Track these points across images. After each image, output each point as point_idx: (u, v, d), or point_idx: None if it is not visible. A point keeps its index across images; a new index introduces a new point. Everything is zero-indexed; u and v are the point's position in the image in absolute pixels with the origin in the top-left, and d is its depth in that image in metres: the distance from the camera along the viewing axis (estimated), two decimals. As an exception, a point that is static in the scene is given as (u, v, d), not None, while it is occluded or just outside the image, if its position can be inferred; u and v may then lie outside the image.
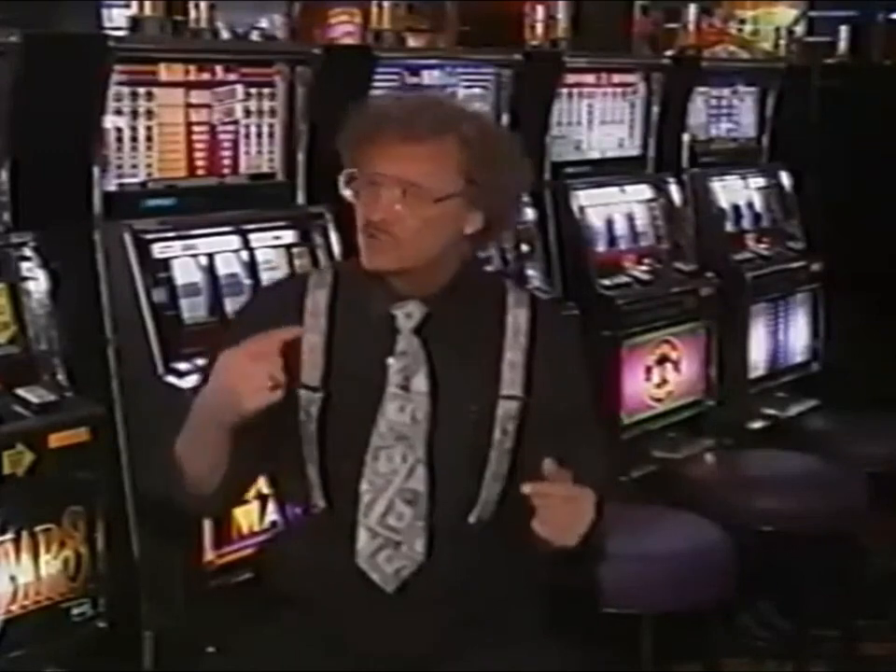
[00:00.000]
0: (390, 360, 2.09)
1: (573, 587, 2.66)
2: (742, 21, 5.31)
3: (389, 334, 2.11)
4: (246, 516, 2.86)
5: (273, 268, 3.11)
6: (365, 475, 2.08)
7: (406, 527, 2.08)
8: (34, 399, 2.57)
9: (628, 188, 4.28)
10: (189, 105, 3.01)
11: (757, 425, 4.54)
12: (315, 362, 2.10)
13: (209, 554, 2.81)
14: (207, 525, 2.78)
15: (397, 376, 2.09)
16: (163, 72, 2.94)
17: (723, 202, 4.65)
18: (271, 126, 3.21)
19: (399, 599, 2.10)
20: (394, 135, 2.03)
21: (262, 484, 2.85)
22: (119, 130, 2.88)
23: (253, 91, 3.15)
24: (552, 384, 2.14)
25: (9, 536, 2.49)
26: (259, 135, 3.19)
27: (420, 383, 2.08)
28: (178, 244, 2.95)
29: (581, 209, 4.07)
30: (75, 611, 2.62)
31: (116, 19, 3.36)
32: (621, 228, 4.21)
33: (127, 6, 3.12)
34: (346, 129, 2.12)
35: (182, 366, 2.80)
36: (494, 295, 2.19)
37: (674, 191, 4.38)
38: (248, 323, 2.17)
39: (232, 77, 3.10)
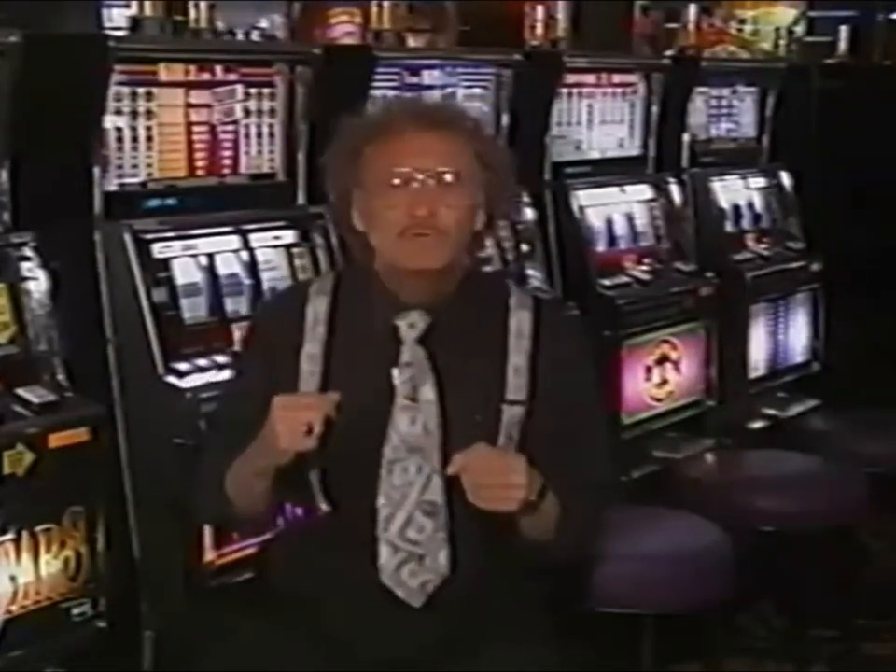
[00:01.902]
0: (395, 372, 2.08)
1: (569, 587, 2.67)
2: (742, 21, 5.31)
3: (393, 344, 2.09)
4: (246, 516, 2.86)
5: (273, 268, 3.11)
6: (381, 489, 2.07)
7: (428, 540, 2.07)
8: (34, 399, 2.57)
9: (628, 188, 4.28)
10: (188, 105, 3.01)
11: (757, 425, 4.54)
12: (312, 370, 2.10)
13: (209, 554, 2.80)
14: (207, 526, 2.78)
15: (404, 387, 2.07)
16: (163, 72, 2.94)
17: (723, 202, 4.65)
18: (271, 126, 3.21)
19: (424, 611, 2.09)
20: (414, 127, 2.04)
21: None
22: (119, 130, 2.88)
23: (253, 91, 3.15)
24: (556, 386, 2.12)
25: (9, 536, 2.49)
26: (259, 135, 3.19)
27: (428, 392, 2.07)
28: (178, 244, 2.95)
29: (581, 209, 4.06)
30: (75, 611, 2.61)
31: (116, 19, 3.36)
32: (621, 228, 4.21)
33: (127, 6, 3.12)
34: (349, 136, 2.09)
35: (182, 366, 2.80)
36: (496, 298, 2.18)
37: (674, 191, 4.38)
38: (255, 339, 2.24)
39: (232, 76, 3.09)
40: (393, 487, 2.07)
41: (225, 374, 2.72)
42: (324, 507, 2.13)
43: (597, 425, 2.21)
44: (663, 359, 4.09)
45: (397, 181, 2.03)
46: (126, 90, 2.87)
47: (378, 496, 2.07)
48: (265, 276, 3.08)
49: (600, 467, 2.17)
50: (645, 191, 4.33)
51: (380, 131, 2.06)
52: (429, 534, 2.07)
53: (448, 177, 2.03)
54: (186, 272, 2.95)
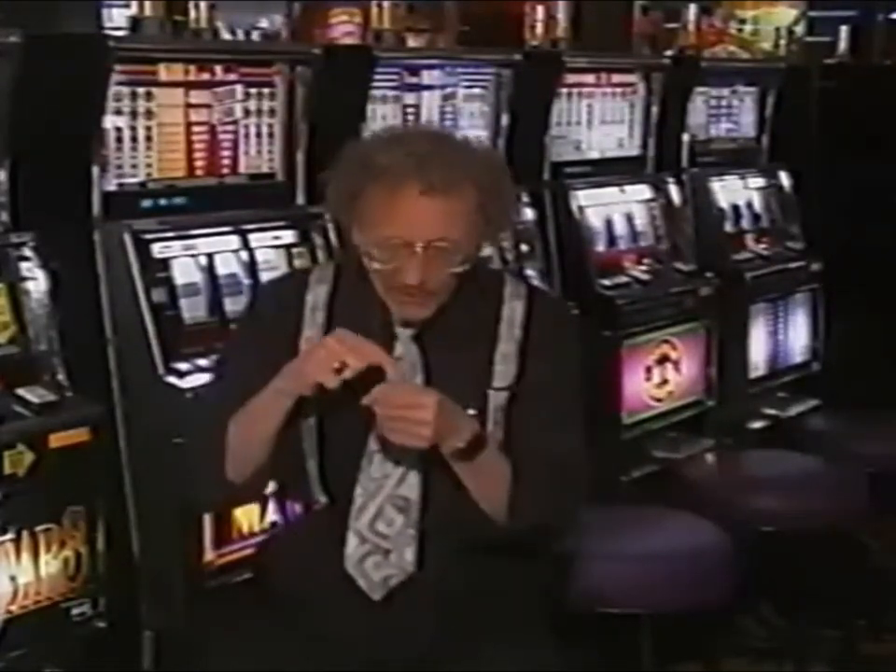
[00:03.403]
0: None
1: (565, 587, 2.67)
2: (742, 21, 5.31)
3: (387, 338, 2.10)
4: (246, 516, 2.86)
5: (272, 268, 3.11)
6: (360, 479, 2.08)
7: (396, 535, 2.08)
8: (34, 399, 2.57)
9: (628, 188, 4.28)
10: (188, 105, 3.01)
11: (757, 425, 4.54)
12: None
13: (209, 554, 2.81)
14: (207, 525, 2.78)
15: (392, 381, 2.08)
16: (163, 72, 2.94)
17: (723, 202, 4.65)
18: (270, 126, 3.21)
19: (386, 606, 2.09)
20: (416, 191, 1.98)
21: (262, 484, 2.85)
22: (118, 130, 2.88)
23: (253, 91, 3.15)
24: (538, 370, 2.12)
25: (9, 536, 2.49)
26: (259, 135, 3.19)
27: None
28: (178, 244, 2.95)
29: (581, 209, 4.06)
30: (75, 611, 2.62)
31: (116, 19, 3.36)
32: (620, 228, 4.21)
33: (127, 6, 3.12)
34: (349, 178, 2.06)
35: (182, 366, 2.80)
36: (491, 290, 2.18)
37: (673, 191, 4.38)
38: (253, 321, 2.22)
39: (232, 76, 3.09)
40: (370, 478, 2.08)
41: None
42: (322, 500, 2.14)
43: (571, 410, 2.17)
44: (663, 359, 4.09)
45: (391, 244, 2.02)
46: (126, 90, 2.87)
47: (357, 484, 2.08)
48: (265, 276, 3.07)
49: (568, 449, 2.12)
50: (644, 191, 4.33)
51: (379, 185, 2.01)
52: (398, 529, 2.08)
53: (446, 246, 2.02)
54: (185, 272, 2.95)
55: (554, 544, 2.30)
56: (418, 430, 1.92)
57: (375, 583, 2.09)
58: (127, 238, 2.83)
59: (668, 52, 4.55)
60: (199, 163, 3.06)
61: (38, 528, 2.53)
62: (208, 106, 3.05)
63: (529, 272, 3.83)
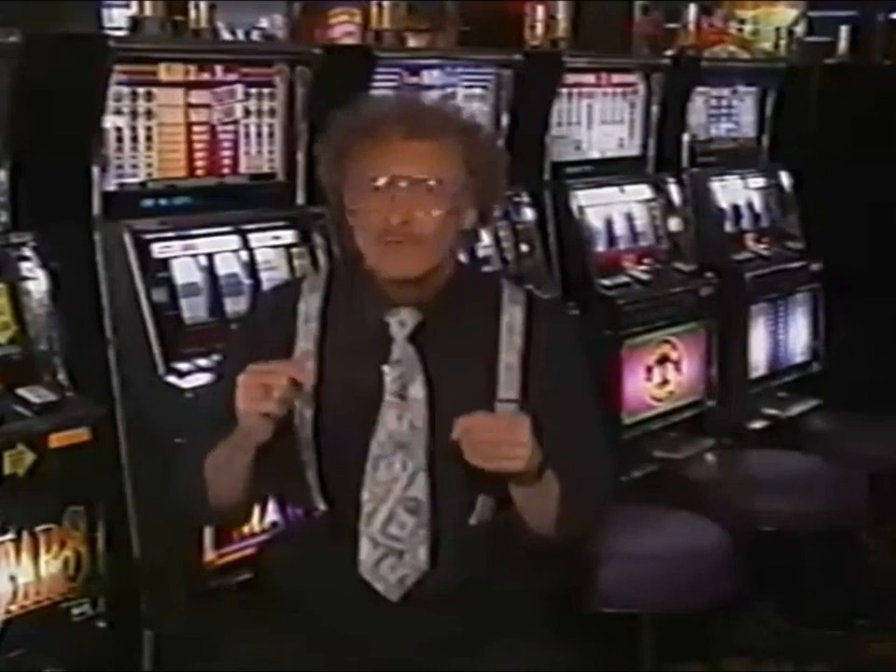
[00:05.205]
0: (385, 369, 2.08)
1: (568, 586, 2.67)
2: (742, 21, 5.30)
3: (383, 341, 2.10)
4: (246, 516, 2.86)
5: (272, 268, 3.11)
6: (366, 484, 2.08)
7: (408, 536, 2.08)
8: (34, 399, 2.57)
9: (628, 188, 4.28)
10: (188, 105, 3.01)
11: (757, 425, 4.54)
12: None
13: (209, 554, 2.81)
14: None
15: (393, 385, 2.08)
16: (163, 72, 2.94)
17: (723, 202, 4.65)
18: (271, 126, 3.21)
19: (403, 607, 2.10)
20: (401, 135, 2.04)
21: (262, 484, 2.85)
22: (119, 130, 2.88)
23: (253, 90, 3.15)
24: (548, 381, 2.12)
25: (9, 536, 2.49)
26: (259, 135, 3.19)
27: (417, 390, 2.07)
28: (178, 244, 2.95)
29: (581, 209, 4.06)
30: (75, 611, 2.62)
31: (116, 19, 3.37)
32: (620, 228, 4.21)
33: (127, 6, 3.12)
34: (338, 134, 2.11)
35: (182, 366, 2.80)
36: (489, 294, 2.18)
37: (674, 191, 4.38)
38: (246, 332, 2.24)
39: (232, 76, 3.09)
40: (377, 483, 2.07)
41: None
42: (321, 506, 2.13)
43: (591, 418, 2.18)
44: (663, 359, 4.09)
45: (377, 185, 2.04)
46: (126, 90, 2.87)
47: (363, 490, 2.08)
48: (265, 276, 3.08)
49: (595, 458, 2.14)
50: (645, 191, 4.33)
51: (366, 134, 2.07)
52: (411, 530, 2.08)
53: (430, 183, 2.04)
54: (185, 272, 2.95)
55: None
56: (515, 452, 1.92)
57: (392, 585, 2.09)
58: (127, 238, 2.83)
59: (668, 52, 4.55)
60: (199, 163, 3.06)
61: (38, 528, 2.53)
62: (208, 106, 3.05)
63: (529, 272, 3.83)
